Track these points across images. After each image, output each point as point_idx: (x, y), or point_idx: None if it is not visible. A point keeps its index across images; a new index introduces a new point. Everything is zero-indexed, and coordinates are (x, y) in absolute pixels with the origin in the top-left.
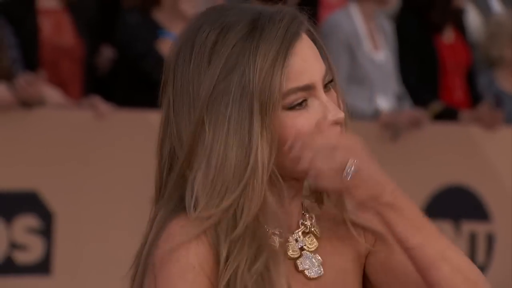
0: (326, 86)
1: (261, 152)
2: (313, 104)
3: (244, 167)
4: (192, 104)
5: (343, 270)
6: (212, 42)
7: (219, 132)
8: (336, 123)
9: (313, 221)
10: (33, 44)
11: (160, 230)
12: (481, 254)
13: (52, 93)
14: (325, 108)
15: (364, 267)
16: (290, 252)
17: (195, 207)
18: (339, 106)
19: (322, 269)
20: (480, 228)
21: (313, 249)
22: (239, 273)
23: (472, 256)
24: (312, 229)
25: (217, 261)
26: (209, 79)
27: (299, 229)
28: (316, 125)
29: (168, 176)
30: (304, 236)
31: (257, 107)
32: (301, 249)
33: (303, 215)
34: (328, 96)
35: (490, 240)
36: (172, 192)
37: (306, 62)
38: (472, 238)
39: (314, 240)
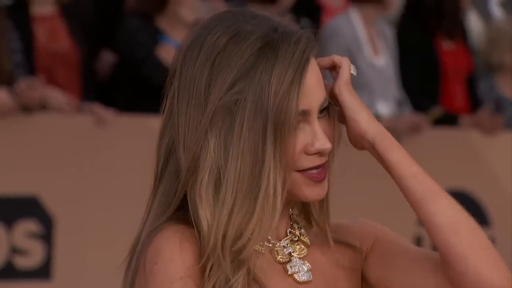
0: (321, 112)
1: (274, 174)
2: (304, 129)
3: (257, 189)
4: (192, 102)
5: (334, 277)
6: (221, 46)
7: (230, 149)
8: (321, 153)
9: (302, 231)
10: (28, 50)
11: (151, 233)
12: None
13: (55, 95)
14: (314, 135)
15: (364, 272)
16: (279, 257)
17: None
18: (331, 135)
19: (311, 274)
20: None
21: (302, 256)
22: (216, 286)
23: None
24: (301, 238)
25: (202, 265)
26: (217, 88)
27: (287, 237)
28: (303, 149)
29: (163, 168)
30: (292, 244)
31: (271, 128)
32: (290, 254)
33: (291, 225)
34: (322, 123)
35: None
36: (168, 192)
37: (309, 88)
38: None
39: (303, 247)
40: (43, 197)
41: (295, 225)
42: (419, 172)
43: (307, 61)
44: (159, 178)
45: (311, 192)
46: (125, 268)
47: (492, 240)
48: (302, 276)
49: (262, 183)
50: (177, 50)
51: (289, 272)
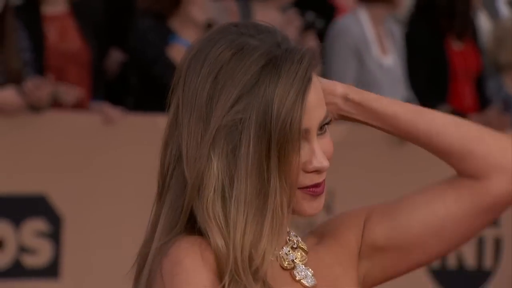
0: (322, 128)
1: (280, 194)
2: (304, 147)
3: (265, 209)
4: (193, 115)
5: (334, 278)
6: (225, 61)
7: (238, 169)
8: (319, 171)
9: (298, 238)
10: (39, 50)
11: (162, 247)
12: (489, 258)
13: (67, 90)
14: (312, 154)
15: (369, 243)
16: (285, 264)
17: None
18: (330, 151)
19: (315, 279)
20: (488, 233)
21: (304, 262)
22: None
23: (480, 260)
24: (300, 245)
25: (219, 275)
26: (221, 105)
27: (287, 244)
28: (301, 167)
29: (170, 179)
30: (293, 251)
31: (275, 147)
32: (293, 261)
33: (288, 233)
34: (321, 140)
35: (498, 244)
36: (175, 205)
37: (309, 107)
38: (480, 242)
39: (304, 254)
40: (51, 196)
41: (291, 233)
42: (393, 99)
43: (309, 80)
44: (166, 189)
45: (309, 207)
46: (133, 281)
47: (500, 239)
48: (309, 282)
49: (270, 203)
50: (183, 56)
51: (297, 278)
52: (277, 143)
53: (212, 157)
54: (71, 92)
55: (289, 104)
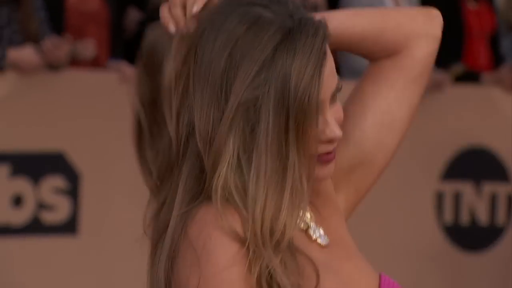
0: (333, 97)
1: (299, 169)
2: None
3: (284, 183)
4: (207, 90)
5: (336, 230)
6: (239, 35)
7: (257, 146)
8: (332, 140)
9: None
10: (58, 11)
11: (183, 215)
12: (501, 214)
13: (84, 46)
14: (325, 124)
15: (339, 178)
16: (302, 225)
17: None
18: (341, 117)
19: (327, 237)
20: (500, 189)
21: (314, 221)
22: (263, 265)
23: (492, 216)
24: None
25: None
26: (238, 83)
27: None
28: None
29: (185, 148)
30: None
31: (293, 122)
32: (306, 222)
33: None
34: (333, 108)
35: (510, 201)
36: (193, 176)
37: (324, 79)
38: (493, 199)
39: (312, 215)
40: (69, 153)
41: None
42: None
43: (324, 54)
44: (181, 158)
45: (320, 172)
46: (151, 248)
47: None
48: (323, 240)
49: (289, 177)
50: (194, 25)
51: (313, 238)
52: (295, 117)
53: (229, 134)
54: (89, 47)
55: (307, 79)
